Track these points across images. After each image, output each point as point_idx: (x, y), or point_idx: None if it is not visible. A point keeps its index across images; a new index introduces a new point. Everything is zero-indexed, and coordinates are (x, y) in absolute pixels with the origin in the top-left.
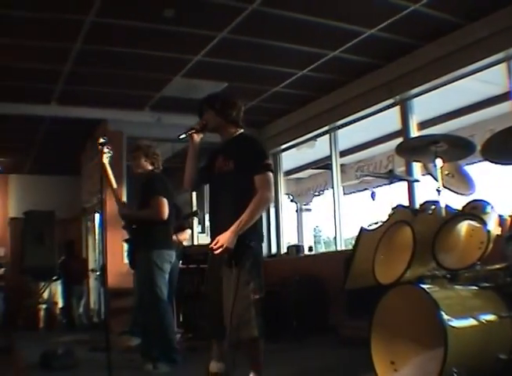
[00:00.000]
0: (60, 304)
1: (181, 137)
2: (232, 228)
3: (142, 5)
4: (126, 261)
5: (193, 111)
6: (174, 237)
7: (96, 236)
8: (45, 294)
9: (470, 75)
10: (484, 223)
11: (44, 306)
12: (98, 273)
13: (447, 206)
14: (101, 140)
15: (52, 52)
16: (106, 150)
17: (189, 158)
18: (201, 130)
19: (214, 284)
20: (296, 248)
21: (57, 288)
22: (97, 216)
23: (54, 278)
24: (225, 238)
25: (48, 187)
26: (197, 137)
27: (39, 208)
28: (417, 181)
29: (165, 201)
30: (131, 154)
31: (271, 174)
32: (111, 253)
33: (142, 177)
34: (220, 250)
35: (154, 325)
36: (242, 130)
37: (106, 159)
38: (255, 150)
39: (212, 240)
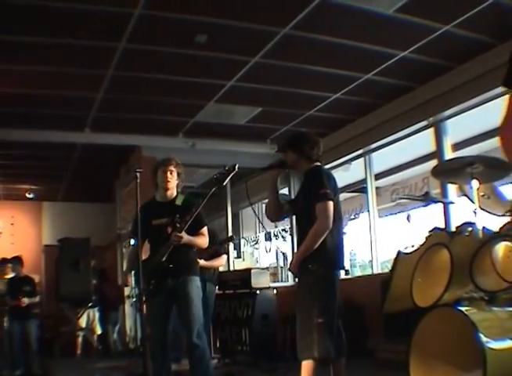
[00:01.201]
0: (98, 331)
1: (262, 169)
2: (295, 254)
3: (174, 30)
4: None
5: (227, 136)
6: (209, 263)
7: None
8: (83, 321)
9: (503, 95)
10: None
11: (81, 333)
12: (133, 299)
13: (484, 227)
14: None
15: (85, 79)
16: None
17: (269, 192)
18: (277, 167)
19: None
20: None
21: (95, 315)
22: (132, 242)
23: (90, 305)
24: (292, 263)
25: (82, 214)
26: (275, 173)
27: (73, 235)
28: (452, 203)
29: None
30: (167, 164)
31: (329, 202)
32: None
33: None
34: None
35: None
36: (317, 163)
37: None
38: (314, 180)
39: None
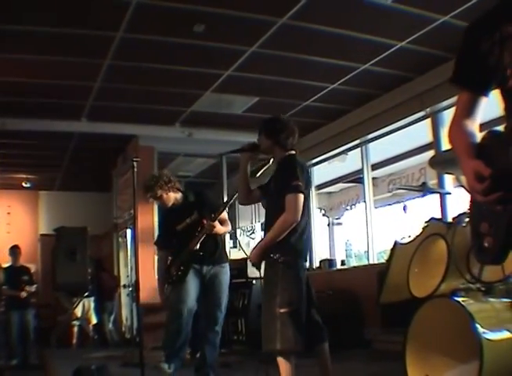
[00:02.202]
0: (94, 320)
1: (223, 153)
2: (259, 244)
3: (172, 20)
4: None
5: (224, 126)
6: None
7: (128, 252)
8: (78, 311)
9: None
10: None
11: (77, 323)
12: (130, 289)
13: None
14: None
15: (82, 69)
16: None
17: (239, 176)
18: (249, 150)
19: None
20: (328, 262)
21: (90, 305)
22: (129, 232)
23: (85, 294)
24: (253, 254)
25: (79, 204)
26: (247, 156)
27: (69, 225)
28: (449, 193)
29: None
30: (150, 195)
31: (300, 194)
32: (143, 268)
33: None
34: (252, 265)
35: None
36: (292, 152)
37: None
38: (288, 170)
39: None
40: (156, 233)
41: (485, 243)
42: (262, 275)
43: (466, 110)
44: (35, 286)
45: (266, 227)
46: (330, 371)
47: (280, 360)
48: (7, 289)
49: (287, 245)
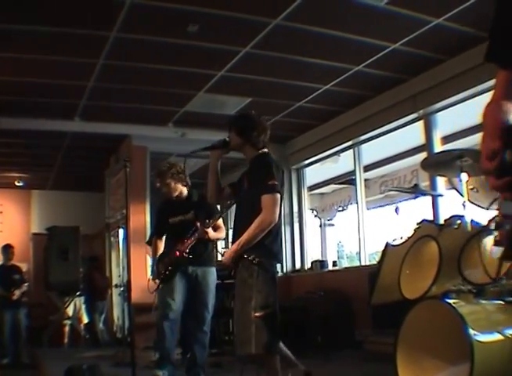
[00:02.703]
0: (85, 320)
1: (191, 152)
2: (233, 247)
3: (165, 20)
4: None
5: (217, 126)
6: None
7: (120, 252)
8: (70, 310)
9: (494, 89)
10: None
11: (68, 322)
12: (121, 289)
13: (472, 220)
14: None
15: (76, 68)
16: None
17: (209, 173)
18: (219, 147)
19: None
20: (320, 263)
21: (82, 304)
22: (121, 232)
23: (77, 294)
24: (226, 257)
25: (71, 203)
26: (217, 154)
27: (62, 224)
28: (441, 195)
29: None
30: (159, 180)
31: (277, 195)
32: (135, 268)
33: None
34: (225, 267)
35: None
36: (265, 150)
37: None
38: (263, 169)
39: None
40: (149, 231)
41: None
42: (235, 277)
43: (506, 91)
44: (26, 285)
45: (238, 227)
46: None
47: (263, 362)
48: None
49: (262, 246)
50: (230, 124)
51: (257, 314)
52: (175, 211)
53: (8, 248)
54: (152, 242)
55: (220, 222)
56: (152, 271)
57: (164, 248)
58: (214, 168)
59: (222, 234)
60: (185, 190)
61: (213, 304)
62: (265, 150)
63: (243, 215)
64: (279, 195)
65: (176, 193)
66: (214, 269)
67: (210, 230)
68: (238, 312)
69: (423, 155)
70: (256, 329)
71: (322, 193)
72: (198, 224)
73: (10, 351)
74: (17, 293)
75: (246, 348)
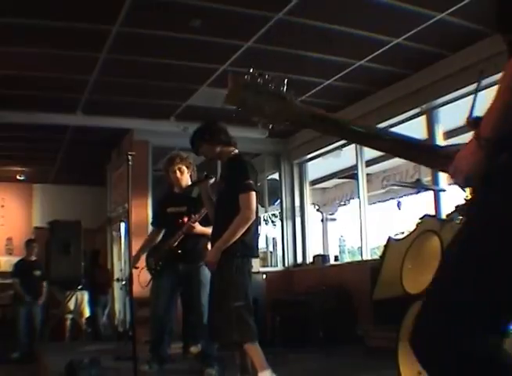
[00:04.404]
0: (87, 314)
1: (191, 185)
2: (217, 244)
3: (168, 14)
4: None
5: (220, 121)
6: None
7: (122, 246)
8: (71, 304)
9: (496, 84)
10: None
11: (70, 316)
12: (123, 283)
13: None
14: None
15: (78, 62)
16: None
17: (204, 201)
18: (204, 180)
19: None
20: (322, 258)
21: (84, 298)
22: (122, 226)
23: (79, 288)
24: (210, 255)
25: (73, 197)
26: (204, 185)
27: (63, 218)
28: (443, 190)
29: None
30: (171, 164)
31: (252, 193)
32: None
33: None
34: (209, 266)
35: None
36: (236, 151)
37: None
38: (238, 169)
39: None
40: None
41: None
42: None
43: None
44: (45, 284)
45: (217, 225)
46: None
47: (249, 347)
48: (18, 283)
49: (241, 242)
50: (196, 141)
51: (236, 304)
52: (174, 202)
53: (30, 243)
54: (151, 232)
55: None
56: (134, 261)
57: (158, 242)
58: (205, 196)
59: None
60: (189, 184)
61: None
62: (236, 151)
63: (221, 214)
64: (254, 193)
65: (183, 183)
66: (204, 267)
67: (197, 225)
68: (218, 303)
69: None
70: (237, 318)
71: (324, 188)
72: (185, 219)
73: (24, 345)
74: (43, 298)
75: (230, 336)
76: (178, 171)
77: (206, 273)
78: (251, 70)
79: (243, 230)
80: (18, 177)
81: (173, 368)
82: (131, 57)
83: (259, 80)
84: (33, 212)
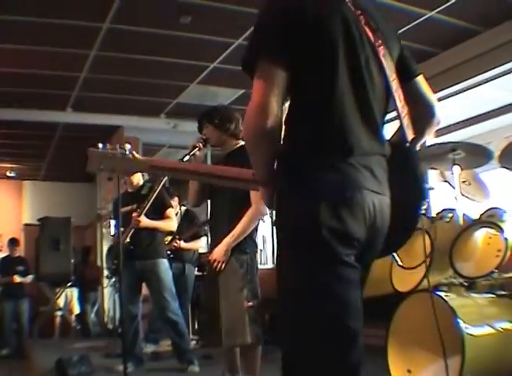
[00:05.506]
0: (76, 310)
1: (185, 160)
2: (226, 240)
3: (158, 11)
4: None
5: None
6: (190, 245)
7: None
8: (61, 301)
9: (486, 82)
10: (501, 231)
11: (59, 313)
12: (113, 280)
13: (464, 214)
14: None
15: (68, 59)
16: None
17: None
18: (201, 148)
19: (211, 292)
20: None
21: (73, 295)
22: (112, 223)
23: (68, 284)
24: (219, 252)
25: (63, 194)
26: (200, 154)
27: (53, 215)
28: (433, 189)
29: None
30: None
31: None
32: None
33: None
34: (216, 264)
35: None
36: (242, 142)
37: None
38: (246, 164)
39: (210, 251)
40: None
41: None
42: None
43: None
44: (31, 277)
45: (217, 221)
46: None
47: (257, 350)
48: (0, 277)
49: (249, 238)
50: (204, 120)
51: (249, 304)
52: (127, 202)
53: (13, 240)
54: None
55: (168, 212)
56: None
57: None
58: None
59: (167, 224)
60: (140, 183)
61: (173, 292)
62: (242, 143)
63: (222, 209)
64: None
65: (134, 183)
66: (162, 260)
67: (143, 218)
68: (229, 302)
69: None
70: (249, 318)
71: None
72: (134, 214)
73: (11, 342)
74: (18, 278)
75: (240, 337)
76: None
77: (164, 269)
78: (102, 145)
79: (255, 225)
80: (8, 174)
81: (160, 366)
82: (121, 54)
83: (108, 150)
84: (23, 209)
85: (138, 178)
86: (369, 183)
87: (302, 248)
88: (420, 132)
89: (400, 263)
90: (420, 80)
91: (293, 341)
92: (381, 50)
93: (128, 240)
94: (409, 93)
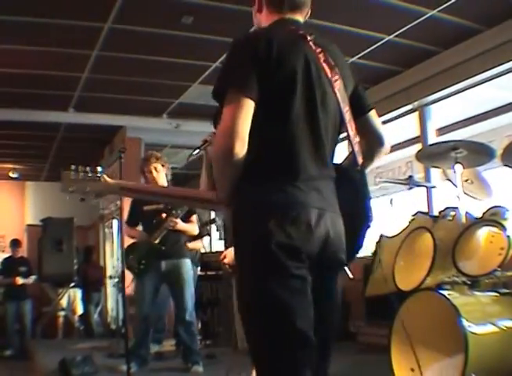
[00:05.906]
0: (79, 311)
1: (195, 153)
2: None
3: (160, 11)
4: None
5: (211, 118)
6: (192, 244)
7: (114, 243)
8: (64, 302)
9: (488, 81)
10: (504, 229)
11: (62, 313)
12: (116, 280)
13: (467, 212)
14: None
15: (70, 59)
16: None
17: (204, 169)
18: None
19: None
20: None
21: (76, 295)
22: (115, 223)
23: (71, 285)
24: (231, 255)
25: (65, 194)
26: (211, 148)
27: (56, 215)
28: (436, 187)
29: None
30: (150, 164)
31: None
32: None
33: None
34: (228, 266)
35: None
36: None
37: None
38: None
39: (225, 249)
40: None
41: None
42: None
43: None
44: (33, 277)
45: None
46: None
47: None
48: (3, 279)
49: None
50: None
51: None
52: (149, 202)
53: (15, 241)
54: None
55: (193, 217)
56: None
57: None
58: (208, 164)
59: (192, 227)
60: (165, 182)
61: (192, 293)
62: None
63: None
64: None
65: (159, 182)
66: (187, 260)
67: (179, 221)
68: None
69: (417, 147)
70: None
71: None
72: (164, 215)
73: (14, 343)
74: (20, 280)
75: None
76: (154, 171)
77: (188, 269)
78: (74, 167)
79: None
80: (11, 174)
81: (163, 366)
82: (123, 54)
83: (80, 172)
84: (25, 210)
85: (162, 178)
86: (318, 203)
87: (255, 262)
88: (369, 158)
89: None
90: (372, 114)
91: (253, 341)
92: (337, 85)
93: (157, 240)
94: (362, 126)
